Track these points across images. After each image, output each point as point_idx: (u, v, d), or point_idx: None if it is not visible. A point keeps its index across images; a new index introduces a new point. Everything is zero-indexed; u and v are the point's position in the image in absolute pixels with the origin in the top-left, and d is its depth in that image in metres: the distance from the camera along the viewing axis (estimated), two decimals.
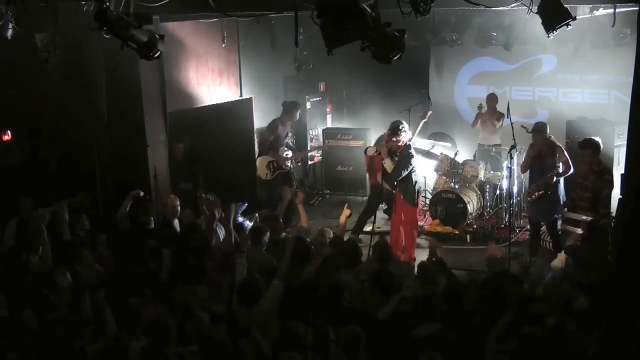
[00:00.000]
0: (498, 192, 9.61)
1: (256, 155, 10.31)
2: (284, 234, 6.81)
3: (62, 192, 7.16)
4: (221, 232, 6.75)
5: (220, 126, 10.02)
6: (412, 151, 8.14)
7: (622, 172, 7.16)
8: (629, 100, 5.39)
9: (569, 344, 4.53)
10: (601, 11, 7.62)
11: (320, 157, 11.63)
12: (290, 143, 10.59)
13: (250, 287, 5.05)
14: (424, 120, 8.84)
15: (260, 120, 10.81)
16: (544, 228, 8.36)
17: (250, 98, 10.40)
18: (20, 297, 5.14)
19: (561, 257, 7.02)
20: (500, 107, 9.71)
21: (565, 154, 7.96)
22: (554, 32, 5.26)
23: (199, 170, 9.22)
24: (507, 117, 7.78)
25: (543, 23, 5.29)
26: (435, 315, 4.82)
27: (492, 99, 10.08)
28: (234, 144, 10.20)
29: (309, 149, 11.41)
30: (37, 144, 8.28)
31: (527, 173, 8.41)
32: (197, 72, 9.38)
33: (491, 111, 9.95)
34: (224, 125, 10.09)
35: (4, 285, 5.34)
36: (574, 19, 5.22)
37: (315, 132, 11.77)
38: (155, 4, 5.57)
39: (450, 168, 9.88)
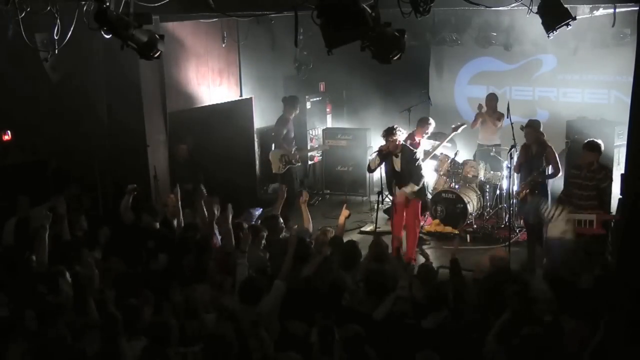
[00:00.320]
0: (498, 192, 9.61)
1: (271, 150, 10.43)
2: (283, 233, 6.82)
3: (62, 193, 7.14)
4: (216, 232, 6.75)
5: (220, 126, 10.02)
6: (412, 148, 8.25)
7: (622, 172, 7.18)
8: (629, 100, 5.41)
9: (568, 343, 4.53)
10: (601, 11, 7.63)
11: (320, 157, 11.62)
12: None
13: (251, 287, 5.05)
14: (455, 132, 8.92)
15: (260, 120, 10.81)
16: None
17: (250, 98, 10.40)
18: (21, 297, 5.14)
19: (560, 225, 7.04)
20: (500, 107, 9.70)
21: (556, 156, 7.93)
22: (554, 32, 5.27)
23: (200, 171, 9.22)
24: (507, 117, 7.78)
25: (543, 23, 5.29)
26: (442, 305, 4.85)
27: (491, 99, 10.08)
28: (234, 144, 10.20)
29: (309, 148, 11.40)
30: (37, 144, 8.28)
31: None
32: (197, 72, 9.38)
33: (491, 111, 9.95)
34: (224, 125, 10.10)
35: (4, 285, 5.35)
36: (574, 19, 5.22)
37: (315, 132, 11.76)
38: (155, 4, 5.56)
39: (450, 168, 9.87)
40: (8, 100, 7.79)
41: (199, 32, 9.34)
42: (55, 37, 5.94)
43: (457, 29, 10.29)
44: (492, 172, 9.76)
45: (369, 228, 9.60)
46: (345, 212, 6.90)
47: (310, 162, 11.69)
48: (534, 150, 7.95)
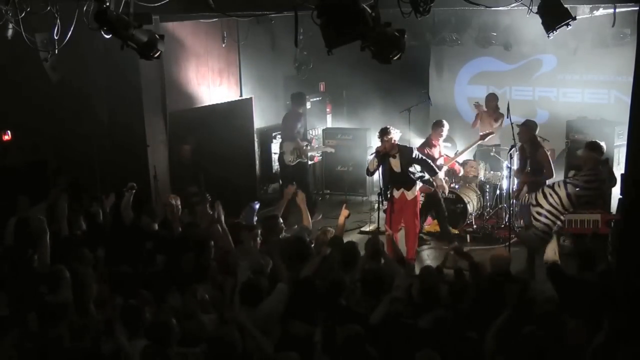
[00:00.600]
0: (498, 192, 9.61)
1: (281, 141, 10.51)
2: (283, 233, 6.81)
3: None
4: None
5: (220, 126, 10.02)
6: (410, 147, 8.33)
7: (622, 172, 7.17)
8: (629, 100, 5.41)
9: (569, 343, 4.53)
10: (601, 11, 7.63)
11: (320, 157, 11.62)
12: None
13: (252, 289, 5.04)
14: (480, 141, 8.96)
15: (260, 120, 10.81)
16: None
17: (250, 98, 10.40)
18: (22, 296, 5.15)
19: (552, 245, 7.01)
20: (501, 107, 9.70)
21: (548, 158, 7.90)
22: (554, 32, 5.27)
23: (201, 173, 9.22)
24: (507, 117, 7.78)
25: (543, 23, 5.29)
26: (436, 304, 4.86)
27: (491, 99, 10.08)
28: (234, 144, 10.20)
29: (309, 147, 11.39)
30: (37, 144, 8.28)
31: None
32: (197, 72, 9.38)
33: (490, 111, 9.95)
34: (224, 125, 10.09)
35: (5, 284, 5.35)
36: (574, 19, 5.22)
37: (315, 132, 11.77)
38: (155, 4, 5.57)
39: (449, 168, 9.86)
40: (8, 100, 7.80)
41: (199, 32, 9.34)
42: (55, 37, 5.94)
43: (457, 29, 10.29)
44: (492, 172, 9.76)
45: (369, 228, 9.61)
46: (344, 212, 6.91)
47: (310, 162, 11.68)
48: (527, 150, 7.96)
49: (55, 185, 7.28)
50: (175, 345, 4.42)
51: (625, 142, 6.56)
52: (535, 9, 5.23)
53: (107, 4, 5.13)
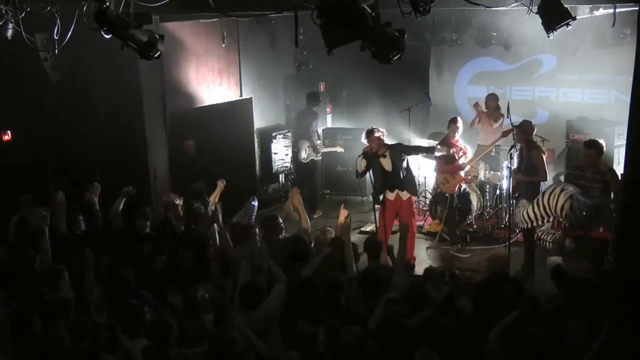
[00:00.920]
0: (498, 192, 9.60)
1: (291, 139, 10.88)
2: (283, 233, 6.81)
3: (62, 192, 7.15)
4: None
5: (220, 126, 10.02)
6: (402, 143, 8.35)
7: (622, 172, 7.16)
8: (629, 100, 5.41)
9: (569, 342, 4.54)
10: (601, 11, 7.63)
11: (320, 157, 11.62)
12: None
13: (251, 290, 5.04)
14: (504, 137, 8.83)
15: (260, 120, 10.81)
16: (544, 228, 8.36)
17: (250, 98, 10.40)
18: (22, 296, 5.15)
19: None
20: (500, 107, 9.70)
21: (542, 160, 7.89)
22: (554, 32, 5.26)
23: (202, 170, 9.20)
24: (507, 117, 7.77)
25: (543, 23, 5.29)
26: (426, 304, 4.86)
27: (491, 99, 10.08)
28: (234, 144, 10.20)
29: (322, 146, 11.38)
30: (37, 144, 8.28)
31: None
32: (197, 72, 9.38)
33: (490, 111, 9.95)
34: (224, 125, 10.09)
35: (5, 284, 5.35)
36: (574, 19, 5.22)
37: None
38: (155, 4, 5.57)
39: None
40: (8, 100, 7.80)
41: (199, 32, 9.34)
42: (55, 37, 5.95)
43: (457, 29, 10.28)
44: (492, 172, 9.75)
45: (369, 228, 9.60)
46: (344, 212, 6.91)
47: (304, 175, 11.66)
48: (524, 152, 7.97)
49: (56, 186, 7.27)
50: (175, 345, 4.43)
51: (625, 142, 6.56)
52: (535, 9, 5.23)
53: (107, 4, 5.13)
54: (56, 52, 6.20)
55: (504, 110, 9.73)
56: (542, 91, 11.03)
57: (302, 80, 11.39)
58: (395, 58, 4.75)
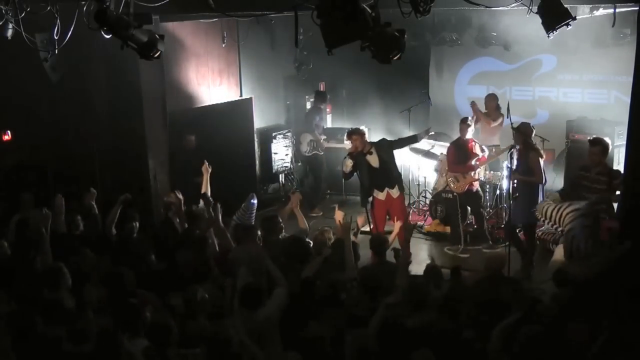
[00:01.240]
0: (498, 192, 9.60)
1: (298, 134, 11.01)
2: (283, 233, 6.81)
3: (62, 193, 7.15)
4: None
5: (220, 126, 10.02)
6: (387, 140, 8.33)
7: (622, 172, 7.15)
8: (629, 100, 5.41)
9: (569, 341, 4.54)
10: (601, 11, 7.63)
11: (322, 153, 11.61)
12: None
13: (252, 292, 5.03)
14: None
15: (260, 120, 10.82)
16: (544, 228, 8.35)
17: (250, 98, 10.41)
18: (23, 296, 5.15)
19: (560, 250, 6.97)
20: (501, 106, 9.69)
21: (539, 163, 7.88)
22: (554, 32, 5.26)
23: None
24: (507, 117, 7.78)
25: (543, 23, 5.29)
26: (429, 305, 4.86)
27: (489, 99, 10.08)
28: (234, 144, 10.21)
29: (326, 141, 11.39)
30: (37, 144, 8.29)
31: None
32: (197, 72, 9.39)
33: (489, 111, 9.95)
34: (224, 125, 10.10)
35: (5, 283, 5.35)
36: (574, 19, 5.22)
37: None
38: (155, 4, 5.57)
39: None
40: (8, 101, 7.80)
41: (199, 32, 9.35)
42: (55, 37, 5.95)
43: (457, 29, 10.29)
44: (492, 172, 9.75)
45: (369, 228, 9.59)
46: (339, 213, 6.90)
47: (308, 168, 11.68)
48: (522, 153, 7.98)
49: (56, 187, 7.27)
50: (174, 346, 4.42)
51: (625, 142, 6.56)
52: (535, 9, 5.23)
53: (107, 4, 5.13)
54: (56, 52, 6.20)
55: (503, 110, 9.75)
56: (542, 91, 11.04)
57: (302, 80, 11.39)
58: (395, 58, 4.75)
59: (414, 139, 8.45)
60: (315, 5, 4.29)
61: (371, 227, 8.23)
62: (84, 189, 7.60)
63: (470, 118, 9.13)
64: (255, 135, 10.63)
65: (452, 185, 9.06)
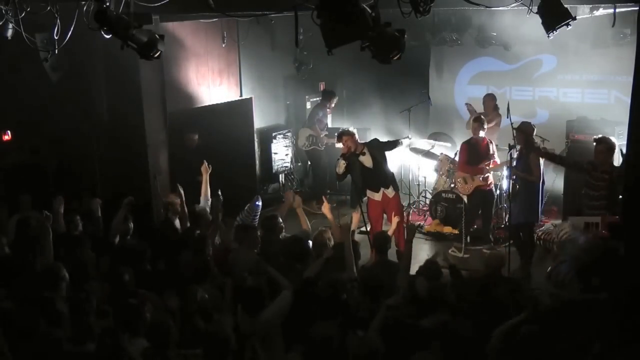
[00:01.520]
0: (498, 192, 9.60)
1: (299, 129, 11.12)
2: (283, 233, 6.81)
3: (62, 193, 7.15)
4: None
5: (220, 126, 10.02)
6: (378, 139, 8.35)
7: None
8: (629, 100, 5.39)
9: (569, 341, 4.54)
10: (601, 11, 7.63)
11: (323, 148, 11.61)
12: None
13: (253, 294, 5.03)
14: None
15: (260, 120, 10.82)
16: (544, 228, 8.37)
17: (250, 98, 10.41)
18: (23, 296, 5.15)
19: None
20: (500, 106, 9.70)
21: (538, 163, 7.88)
22: (554, 32, 5.26)
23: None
24: (507, 117, 7.78)
25: (543, 23, 5.28)
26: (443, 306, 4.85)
27: (487, 99, 10.09)
28: (234, 144, 10.20)
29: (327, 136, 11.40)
30: (37, 144, 8.29)
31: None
32: (197, 72, 9.38)
33: (488, 111, 9.94)
34: (224, 125, 10.10)
35: (5, 283, 5.35)
36: (574, 19, 5.22)
37: None
38: (155, 4, 5.57)
39: (450, 168, 9.87)
40: (8, 100, 7.80)
41: (199, 32, 9.34)
42: (55, 37, 5.95)
43: (457, 29, 10.29)
44: (492, 172, 9.75)
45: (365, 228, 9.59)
46: (327, 205, 6.91)
47: (310, 162, 11.70)
48: (523, 152, 8.00)
49: (56, 188, 7.27)
50: (174, 346, 4.42)
51: (625, 142, 6.56)
52: (535, 9, 5.22)
53: (107, 4, 5.13)
54: (56, 52, 6.20)
55: (501, 111, 9.76)
56: (542, 91, 11.03)
57: (302, 80, 11.40)
58: (395, 58, 4.75)
59: (397, 143, 8.41)
60: (315, 5, 4.29)
61: (368, 227, 8.22)
62: (84, 189, 7.60)
63: (482, 117, 9.06)
64: (255, 135, 10.63)
65: (459, 186, 9.04)
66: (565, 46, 9.91)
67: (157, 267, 6.13)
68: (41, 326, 4.64)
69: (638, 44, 5.27)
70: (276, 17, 9.27)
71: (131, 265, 5.77)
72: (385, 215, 8.23)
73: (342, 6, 4.23)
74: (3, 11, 5.84)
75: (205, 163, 7.65)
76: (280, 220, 6.75)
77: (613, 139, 7.56)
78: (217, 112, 9.86)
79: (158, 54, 5.62)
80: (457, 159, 9.79)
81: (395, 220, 7.42)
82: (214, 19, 8.98)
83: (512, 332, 4.53)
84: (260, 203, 7.43)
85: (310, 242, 6.33)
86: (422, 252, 8.96)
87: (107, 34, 5.27)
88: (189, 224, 7.06)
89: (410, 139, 8.96)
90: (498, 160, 8.86)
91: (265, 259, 6.05)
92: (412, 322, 4.81)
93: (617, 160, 8.66)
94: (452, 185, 9.65)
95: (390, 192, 8.09)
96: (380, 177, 8.03)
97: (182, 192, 7.33)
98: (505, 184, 9.27)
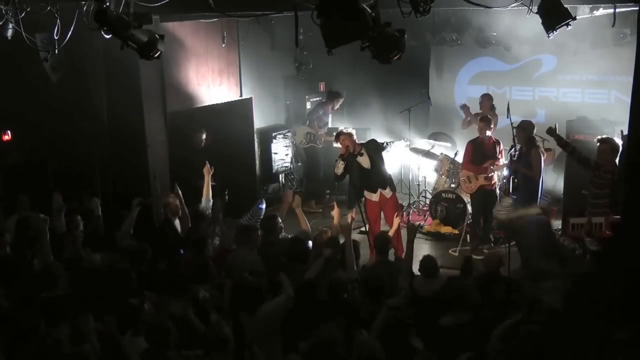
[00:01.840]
0: (499, 191, 9.60)
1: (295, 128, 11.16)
2: (283, 233, 6.81)
3: (62, 193, 7.16)
4: None
5: (220, 126, 10.02)
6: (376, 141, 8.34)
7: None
8: (629, 100, 5.40)
9: (568, 340, 4.54)
10: (601, 11, 7.63)
11: (322, 146, 11.61)
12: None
13: (252, 292, 5.03)
14: None
15: (260, 120, 10.81)
16: None
17: (250, 98, 10.40)
18: (21, 296, 5.15)
19: None
20: (500, 106, 9.69)
21: (540, 160, 7.87)
22: (554, 32, 5.27)
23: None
24: (507, 117, 7.79)
25: (543, 23, 5.29)
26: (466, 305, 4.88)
27: (484, 99, 10.09)
28: (234, 144, 10.20)
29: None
30: (37, 144, 8.29)
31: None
32: (197, 72, 9.38)
33: (485, 111, 9.93)
34: (224, 125, 10.10)
35: (5, 283, 5.35)
36: (574, 19, 5.22)
37: None
38: (155, 4, 5.57)
39: (450, 168, 9.87)
40: (8, 100, 7.80)
41: (199, 32, 9.34)
42: (55, 37, 5.95)
43: (457, 29, 10.28)
44: (496, 172, 9.74)
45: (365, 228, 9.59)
46: (337, 210, 6.91)
47: (307, 160, 11.69)
48: (524, 150, 7.99)
49: (56, 187, 7.27)
50: (174, 347, 4.42)
51: (625, 142, 6.56)
52: (535, 9, 5.23)
53: (107, 4, 5.13)
54: (56, 52, 6.20)
55: (498, 111, 9.77)
56: (542, 91, 11.03)
57: (302, 80, 11.39)
58: (395, 58, 4.75)
59: (385, 146, 8.37)
60: (315, 5, 4.29)
61: (367, 227, 8.23)
62: (84, 189, 7.60)
63: (488, 116, 9.06)
64: (255, 135, 10.63)
65: (462, 185, 9.03)
66: (565, 46, 9.90)
67: (157, 267, 6.13)
68: (41, 327, 4.64)
69: (638, 44, 5.28)
70: (276, 17, 9.28)
71: (131, 264, 5.79)
72: (383, 216, 8.23)
73: (343, 7, 4.23)
74: (3, 11, 5.84)
75: (208, 164, 7.65)
76: (280, 220, 6.74)
77: (616, 139, 7.57)
78: (217, 112, 9.86)
79: (158, 54, 5.62)
80: (457, 159, 9.82)
81: (396, 220, 7.45)
82: (214, 19, 8.98)
83: (512, 332, 4.54)
84: (263, 206, 7.44)
85: (310, 243, 6.34)
86: (422, 252, 8.83)
87: (107, 34, 5.27)
88: (189, 224, 7.06)
89: (432, 145, 8.90)
90: (502, 162, 8.87)
91: (265, 259, 6.07)
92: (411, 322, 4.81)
93: (618, 160, 8.69)
94: (454, 185, 9.65)
95: (387, 192, 8.09)
96: (378, 178, 8.04)
97: (179, 192, 7.33)
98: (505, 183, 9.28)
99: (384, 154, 8.23)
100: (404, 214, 9.89)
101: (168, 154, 8.55)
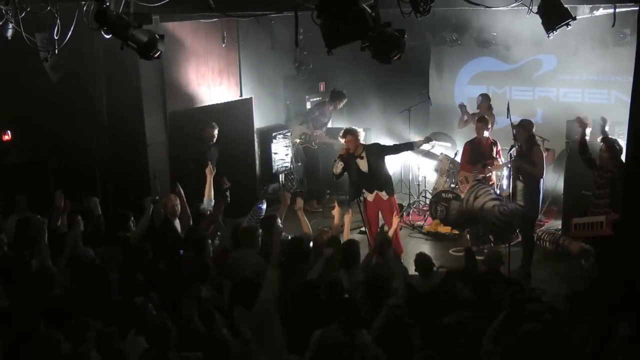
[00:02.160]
0: (498, 191, 9.59)
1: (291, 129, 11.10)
2: (283, 234, 6.80)
3: (62, 193, 7.15)
4: None
5: (220, 126, 10.01)
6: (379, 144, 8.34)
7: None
8: (629, 100, 5.40)
9: (566, 340, 4.54)
10: (601, 11, 7.63)
11: (316, 147, 11.60)
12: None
13: (246, 289, 5.02)
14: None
15: (260, 120, 10.81)
16: (544, 228, 8.35)
17: (250, 98, 10.40)
18: (20, 296, 5.15)
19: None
20: (499, 106, 9.68)
21: (542, 157, 7.87)
22: (554, 32, 5.27)
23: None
24: (508, 117, 7.79)
25: (543, 23, 5.29)
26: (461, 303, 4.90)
27: (482, 99, 10.08)
28: (234, 143, 10.20)
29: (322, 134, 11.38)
30: (37, 144, 8.29)
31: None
32: (197, 72, 9.38)
33: (482, 111, 9.93)
34: (224, 125, 10.09)
35: (4, 283, 5.36)
36: (574, 19, 5.22)
37: None
38: (155, 4, 5.57)
39: (450, 168, 9.86)
40: (8, 100, 7.80)
41: (199, 32, 9.34)
42: (55, 37, 5.95)
43: (457, 29, 10.29)
44: (493, 172, 9.74)
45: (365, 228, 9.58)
46: (337, 209, 6.89)
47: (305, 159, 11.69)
48: (524, 149, 8.00)
49: (56, 187, 7.27)
50: (174, 348, 4.41)
51: (625, 142, 6.55)
52: (535, 9, 5.23)
53: (107, 4, 5.13)
54: (56, 52, 6.20)
55: (497, 111, 9.76)
56: (542, 91, 11.04)
57: (302, 80, 11.39)
58: (395, 58, 4.75)
59: (409, 147, 8.41)
60: (315, 5, 4.29)
61: (366, 227, 8.24)
62: (84, 189, 7.60)
63: (486, 116, 9.07)
64: (255, 135, 10.63)
65: (460, 186, 9.04)
66: (565, 46, 9.90)
67: (157, 267, 6.12)
68: (41, 327, 4.64)
69: (638, 44, 5.27)
70: (276, 17, 9.27)
71: (131, 264, 5.79)
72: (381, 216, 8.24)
73: (343, 7, 4.23)
74: (3, 11, 5.84)
75: (210, 165, 7.65)
76: (279, 220, 6.74)
77: (619, 140, 7.57)
78: (217, 112, 9.85)
79: (158, 54, 5.62)
80: (457, 159, 9.81)
81: (395, 220, 7.46)
82: (214, 19, 8.98)
83: (504, 331, 4.55)
84: (264, 206, 7.44)
85: (311, 243, 6.34)
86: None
87: (107, 34, 5.27)
88: (190, 224, 7.06)
89: (434, 143, 8.93)
90: (501, 161, 8.84)
91: (265, 259, 6.06)
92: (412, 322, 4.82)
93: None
94: (454, 185, 9.65)
95: (383, 195, 8.10)
96: (375, 181, 8.06)
97: (181, 191, 7.32)
98: (505, 184, 9.28)
99: (402, 154, 8.16)
100: (404, 214, 9.90)
101: (168, 154, 8.55)
